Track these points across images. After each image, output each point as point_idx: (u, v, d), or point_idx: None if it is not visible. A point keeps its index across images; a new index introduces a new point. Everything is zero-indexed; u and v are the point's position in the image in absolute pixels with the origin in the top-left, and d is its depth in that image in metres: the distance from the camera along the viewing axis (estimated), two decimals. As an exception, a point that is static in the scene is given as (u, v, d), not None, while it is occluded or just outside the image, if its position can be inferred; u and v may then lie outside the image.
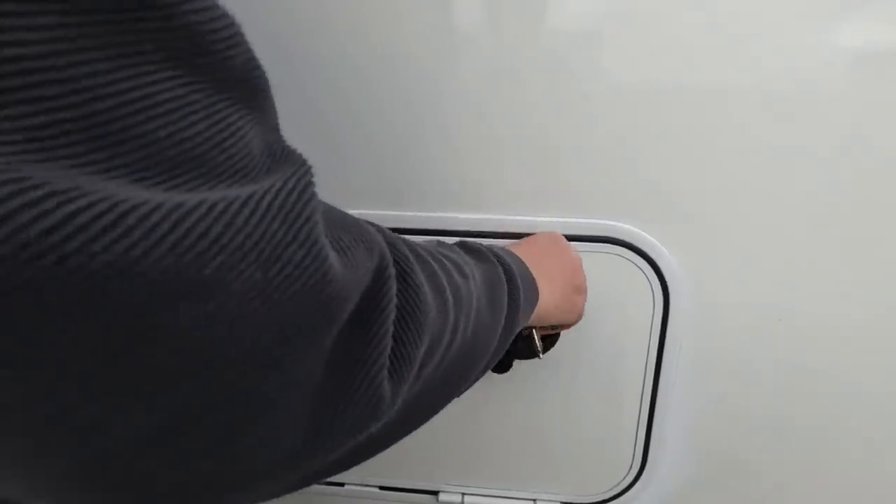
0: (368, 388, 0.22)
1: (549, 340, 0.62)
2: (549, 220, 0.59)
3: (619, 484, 0.68)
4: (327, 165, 0.58)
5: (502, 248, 0.47)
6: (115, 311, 0.14)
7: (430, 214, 0.61)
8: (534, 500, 0.70)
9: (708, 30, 0.52)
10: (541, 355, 0.59)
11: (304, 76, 0.57)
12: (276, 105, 0.22)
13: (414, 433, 0.72)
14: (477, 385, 0.65)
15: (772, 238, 0.58)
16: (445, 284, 0.31)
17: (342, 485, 0.73)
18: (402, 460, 0.70)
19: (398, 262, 0.26)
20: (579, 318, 0.58)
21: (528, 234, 0.60)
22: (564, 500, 0.70)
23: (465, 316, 0.33)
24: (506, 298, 0.40)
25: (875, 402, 0.61)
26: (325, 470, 0.25)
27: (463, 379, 0.35)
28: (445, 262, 0.34)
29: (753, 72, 0.52)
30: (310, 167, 0.20)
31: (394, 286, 0.24)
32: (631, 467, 0.67)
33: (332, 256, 0.19)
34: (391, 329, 0.23)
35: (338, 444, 0.22)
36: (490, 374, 0.65)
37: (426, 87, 0.57)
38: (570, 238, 0.59)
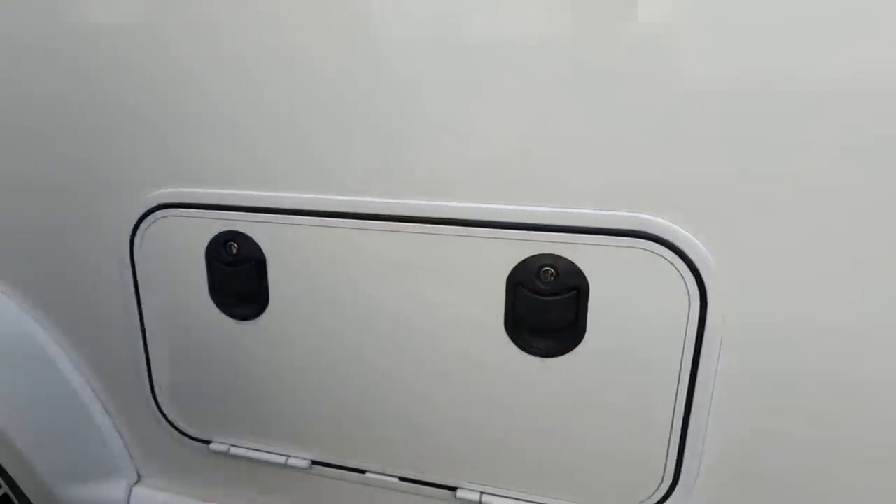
0: None
1: None
2: (577, 211, 0.57)
3: (649, 497, 0.64)
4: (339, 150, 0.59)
5: None
6: None
7: (466, 205, 0.60)
8: (555, 506, 0.67)
9: (769, 25, 0.48)
10: None
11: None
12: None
13: (437, 427, 0.73)
14: (504, 384, 0.64)
15: (826, 239, 0.52)
16: None
17: (363, 472, 0.73)
18: (424, 453, 0.70)
19: None
20: None
21: (560, 227, 0.57)
22: (588, 510, 0.67)
23: None
24: None
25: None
26: None
27: None
28: None
29: (811, 68, 0.48)
30: None
31: None
32: (662, 480, 0.63)
33: None
34: None
35: None
36: (518, 373, 0.63)
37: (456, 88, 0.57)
38: (598, 231, 0.57)
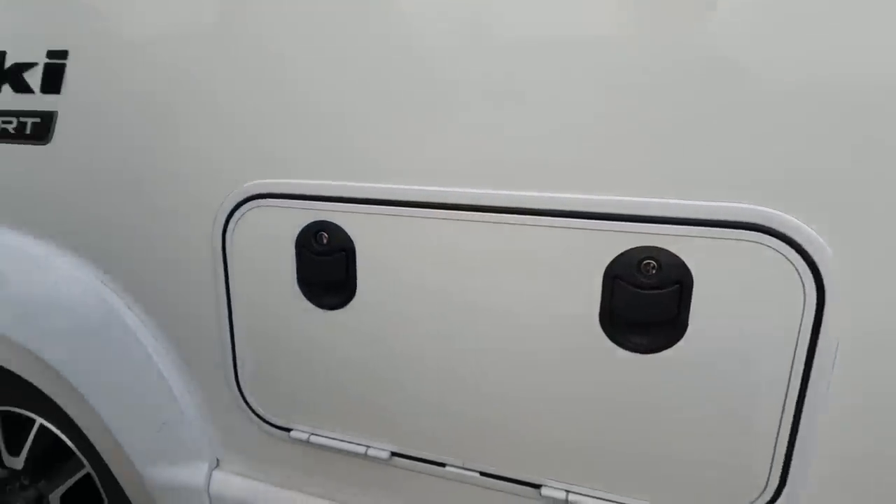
0: None
1: None
2: (682, 202, 0.55)
3: (749, 505, 0.61)
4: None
5: None
6: None
7: (562, 195, 0.60)
8: (646, 509, 0.65)
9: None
10: None
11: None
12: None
13: (523, 422, 0.71)
14: (596, 380, 0.62)
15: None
16: None
17: (443, 465, 0.73)
18: (507, 448, 0.69)
19: None
20: None
21: (663, 218, 0.56)
22: (682, 515, 0.64)
23: None
24: None
25: None
26: None
27: None
28: None
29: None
30: None
31: None
32: (766, 488, 0.60)
33: None
34: None
35: None
36: (612, 368, 0.61)
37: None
38: (706, 223, 0.55)
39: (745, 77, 0.52)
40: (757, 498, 0.61)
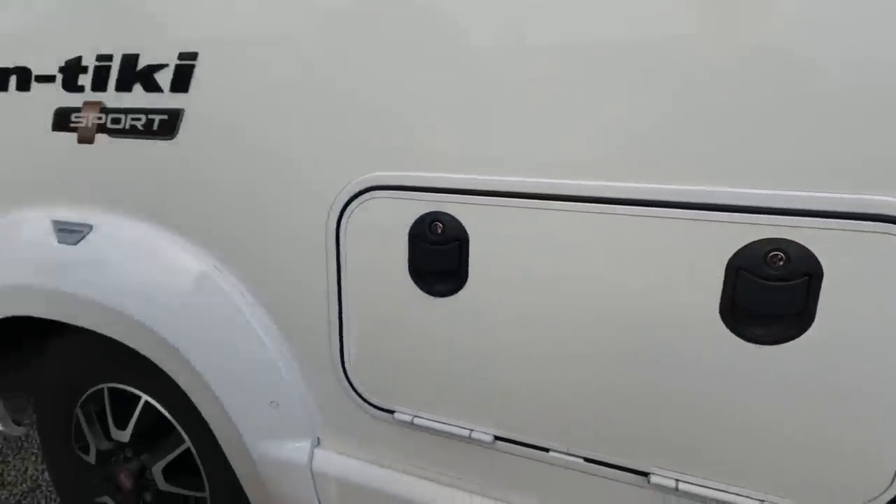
0: None
1: None
2: (814, 194, 0.56)
3: (875, 499, 0.60)
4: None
5: None
6: None
7: (684, 187, 0.61)
8: (762, 501, 0.65)
9: None
10: None
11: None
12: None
13: (633, 409, 0.72)
14: (714, 369, 0.63)
15: None
16: None
17: (547, 450, 0.75)
18: (614, 434, 0.71)
19: None
20: None
21: (792, 210, 0.57)
22: (800, 508, 0.64)
23: None
24: None
25: None
26: None
27: None
28: None
29: None
30: None
31: None
32: (892, 483, 0.59)
33: None
34: None
35: None
36: (731, 359, 0.62)
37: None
38: (840, 216, 0.55)
39: (883, 67, 0.52)
40: (881, 493, 0.60)
